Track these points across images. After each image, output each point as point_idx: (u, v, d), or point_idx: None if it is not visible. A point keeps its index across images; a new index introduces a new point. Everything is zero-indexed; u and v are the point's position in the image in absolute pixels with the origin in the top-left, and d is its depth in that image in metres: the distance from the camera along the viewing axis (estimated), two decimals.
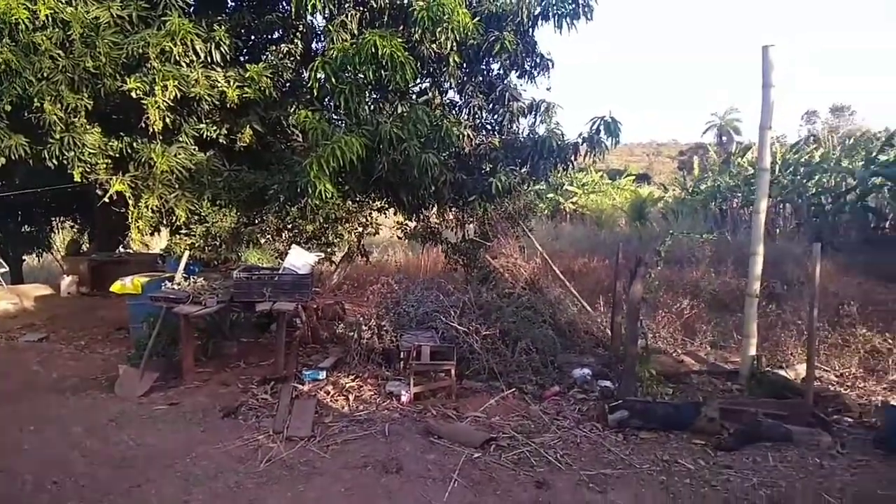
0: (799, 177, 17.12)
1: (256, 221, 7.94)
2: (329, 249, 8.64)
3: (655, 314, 7.16)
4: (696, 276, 10.91)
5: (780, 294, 8.92)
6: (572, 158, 7.00)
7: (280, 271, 6.23)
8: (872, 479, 4.16)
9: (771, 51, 5.79)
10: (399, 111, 6.73)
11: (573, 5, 6.85)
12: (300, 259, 6.13)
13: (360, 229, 9.02)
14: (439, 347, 5.70)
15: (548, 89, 7.64)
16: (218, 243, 7.61)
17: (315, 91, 6.20)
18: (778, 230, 17.03)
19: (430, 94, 7.36)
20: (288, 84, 6.99)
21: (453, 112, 7.50)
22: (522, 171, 7.16)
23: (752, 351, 5.97)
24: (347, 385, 5.59)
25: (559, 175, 7.26)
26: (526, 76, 7.76)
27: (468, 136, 7.02)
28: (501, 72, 7.82)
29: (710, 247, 12.67)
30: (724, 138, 42.82)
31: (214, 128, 6.79)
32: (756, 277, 5.98)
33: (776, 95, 5.89)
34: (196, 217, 7.24)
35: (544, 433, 4.74)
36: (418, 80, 7.55)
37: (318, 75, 6.11)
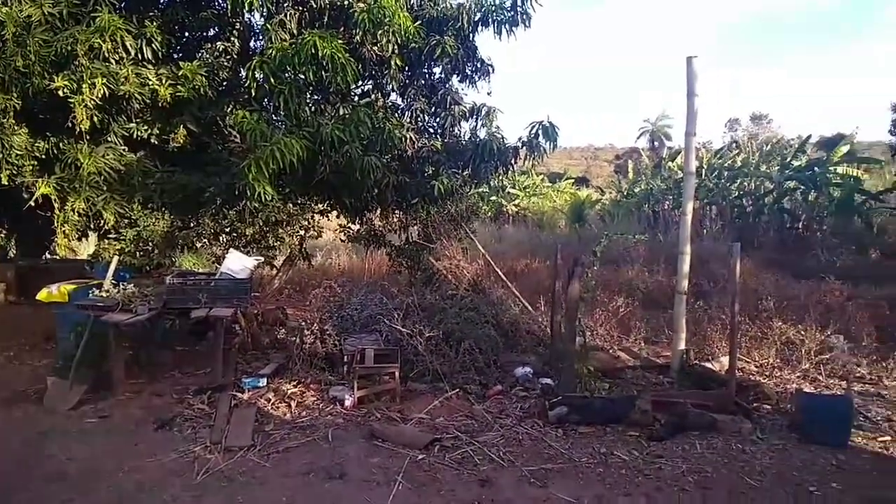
0: (723, 181, 18.14)
1: (192, 225, 7.65)
2: (269, 253, 8.42)
3: (593, 313, 7.41)
4: (631, 276, 11.38)
5: (708, 291, 9.42)
6: (512, 162, 7.13)
7: (217, 276, 6.03)
8: (788, 462, 4.47)
9: (694, 62, 6.11)
10: (341, 113, 6.65)
11: (512, 13, 6.98)
12: (238, 263, 5.96)
13: (302, 232, 8.84)
14: (383, 350, 5.68)
15: (488, 94, 7.78)
16: (150, 248, 7.27)
17: (253, 91, 6.04)
18: (705, 231, 17.94)
19: (372, 96, 7.32)
20: (224, 83, 6.76)
21: (396, 115, 7.48)
22: (464, 173, 7.23)
23: (682, 346, 6.27)
24: (289, 391, 5.48)
25: (500, 178, 7.38)
26: (467, 81, 7.84)
27: (411, 138, 7.01)
28: (443, 76, 7.87)
29: (644, 247, 13.24)
30: (656, 143, 44.87)
31: (146, 127, 6.48)
32: (684, 276, 6.30)
33: (699, 104, 6.22)
34: (126, 221, 6.89)
35: (488, 432, 4.81)
36: (360, 83, 7.50)
37: (257, 75, 5.95)
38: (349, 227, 8.56)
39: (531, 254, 14.33)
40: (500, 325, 6.57)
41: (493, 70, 7.85)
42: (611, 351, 6.71)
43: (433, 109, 7.64)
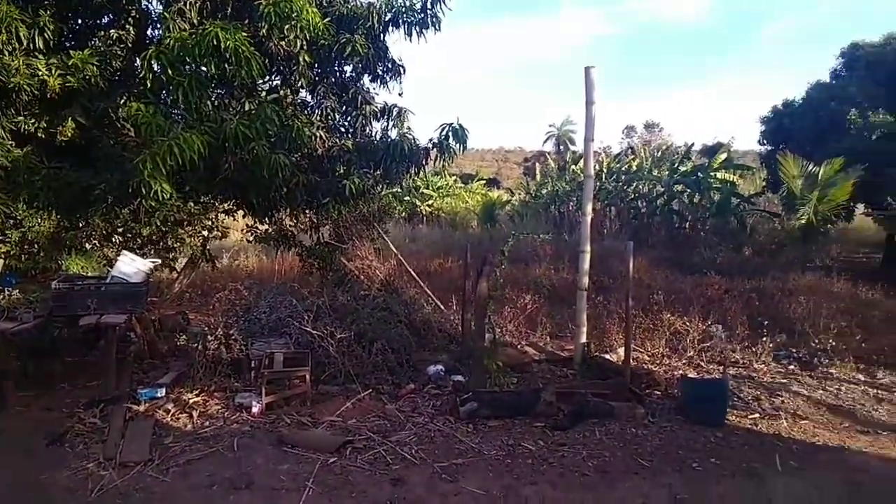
0: (621, 184, 19.30)
1: (80, 225, 7.00)
2: (169, 255, 7.86)
3: (502, 310, 7.63)
4: (538, 273, 11.83)
5: (608, 287, 10.01)
6: (423, 162, 7.18)
7: (107, 280, 5.56)
8: (675, 441, 4.86)
9: (592, 72, 6.46)
10: (247, 109, 6.38)
11: (422, 15, 7.01)
12: (131, 266, 5.53)
13: (205, 233, 8.33)
14: (293, 354, 5.51)
15: (400, 94, 7.74)
16: (36, 250, 6.57)
17: (149, 82, 5.63)
18: (605, 230, 19.03)
19: (281, 92, 7.07)
20: (118, 73, 6.25)
21: (305, 112, 7.28)
22: (376, 173, 7.18)
23: (583, 339, 6.62)
24: (191, 401, 5.16)
25: (412, 178, 7.40)
26: (379, 80, 7.78)
27: (321, 137, 6.86)
28: (354, 75, 7.76)
29: (551, 246, 13.81)
30: (561, 147, 46.87)
31: (33, 120, 5.88)
32: (584, 273, 6.65)
33: (597, 111, 6.58)
34: (11, 221, 6.19)
35: (400, 431, 4.82)
36: (268, 78, 7.23)
37: (153, 65, 5.55)
38: (256, 227, 8.21)
39: (444, 253, 14.51)
40: (412, 325, 6.59)
41: (405, 71, 7.84)
42: (519, 346, 6.95)
43: (344, 108, 7.51)
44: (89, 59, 5.70)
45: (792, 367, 6.95)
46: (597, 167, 21.31)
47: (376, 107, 7.40)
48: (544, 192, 21.83)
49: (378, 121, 7.74)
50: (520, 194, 25.38)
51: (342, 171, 7.25)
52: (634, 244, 6.27)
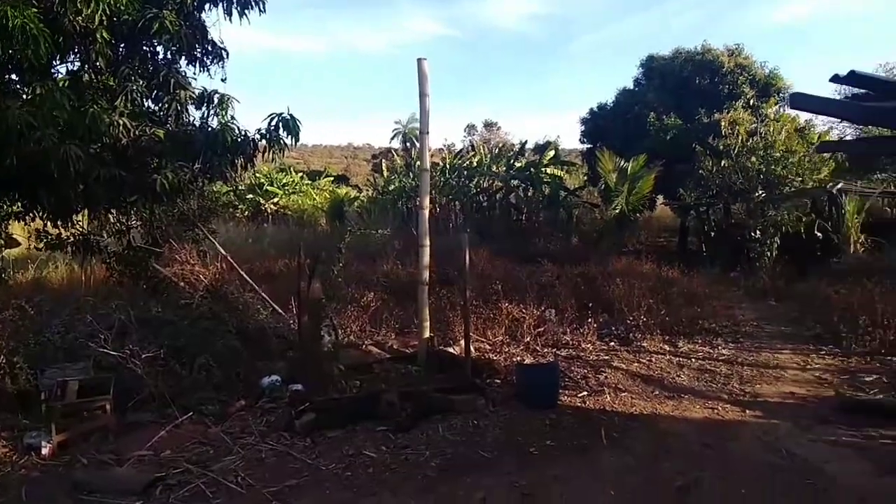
0: (463, 179, 19.85)
1: None
2: None
3: (345, 309, 7.22)
4: (385, 269, 11.61)
5: (453, 279, 10.08)
6: (252, 155, 6.45)
7: None
8: (514, 428, 4.88)
9: (424, 63, 6.31)
10: (38, 93, 5.19)
11: None
12: None
13: None
14: (92, 380, 4.57)
15: (223, 80, 6.89)
16: None
17: None
18: (451, 224, 19.46)
19: (81, 75, 5.87)
20: None
21: (106, 97, 6.13)
22: (194, 167, 6.28)
23: (427, 333, 6.48)
24: None
25: (239, 173, 6.62)
26: (198, 64, 6.86)
27: (125, 125, 5.79)
28: (168, 56, 6.76)
29: (398, 241, 13.67)
30: (408, 144, 47.29)
31: None
32: (425, 267, 6.51)
33: (430, 104, 6.47)
34: None
35: (225, 457, 4.21)
36: (67, 58, 5.97)
37: None
38: (47, 233, 6.76)
39: (291, 253, 13.64)
40: (245, 333, 5.92)
41: (228, 55, 6.99)
42: (363, 346, 6.60)
43: (155, 93, 6.48)
44: None
45: (613, 343, 7.53)
46: (441, 163, 21.74)
47: (193, 92, 6.49)
48: (391, 188, 21.71)
49: (198, 108, 6.83)
50: (368, 191, 25.01)
51: (154, 164, 6.25)
52: (477, 237, 6.28)
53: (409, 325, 7.86)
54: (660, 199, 17.50)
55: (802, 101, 2.76)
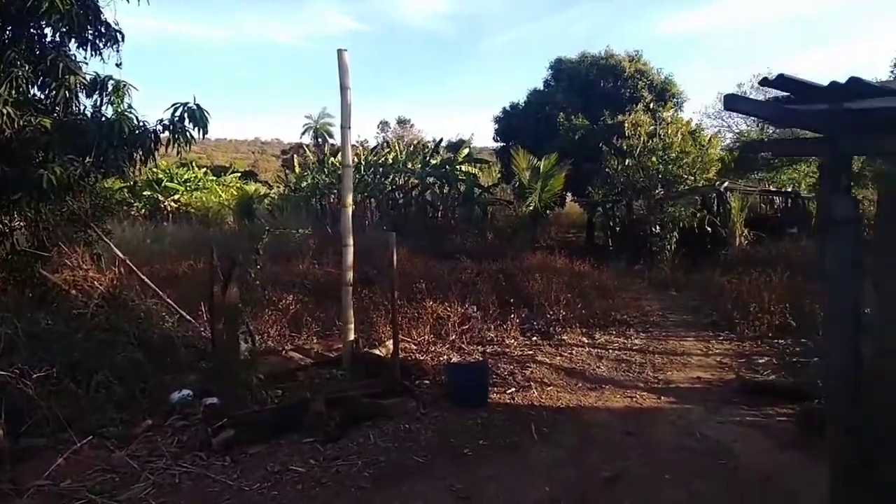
0: (379, 176, 19.56)
1: None
2: None
3: (262, 313, 6.78)
4: (301, 269, 11.11)
5: (374, 278, 9.84)
6: (153, 148, 5.85)
7: None
8: (447, 430, 4.80)
9: (345, 55, 6.05)
10: None
11: None
12: None
13: None
14: None
15: (118, 65, 6.21)
16: None
17: None
18: (367, 222, 19.12)
19: None
20: None
21: None
22: (86, 161, 5.59)
23: (351, 336, 6.23)
24: None
25: (138, 167, 5.98)
26: (89, 47, 6.14)
27: (9, 114, 5.04)
28: (57, 38, 5.99)
29: (314, 240, 13.15)
30: (320, 140, 45.88)
31: None
32: (349, 268, 6.26)
33: (352, 98, 6.21)
34: None
35: (133, 484, 3.76)
36: None
37: None
38: None
39: (195, 254, 12.69)
40: (149, 344, 5.35)
41: (123, 38, 6.33)
42: (283, 353, 6.22)
43: (41, 79, 5.72)
44: None
45: (535, 338, 7.68)
46: (356, 160, 21.27)
47: (84, 78, 5.79)
48: (304, 184, 20.97)
49: (89, 97, 6.11)
50: (279, 187, 23.99)
51: (40, 158, 5.50)
52: (395, 234, 6.11)
53: (332, 328, 7.56)
54: (569, 196, 18.25)
55: (734, 103, 2.91)
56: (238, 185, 25.40)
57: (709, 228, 13.83)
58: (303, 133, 49.57)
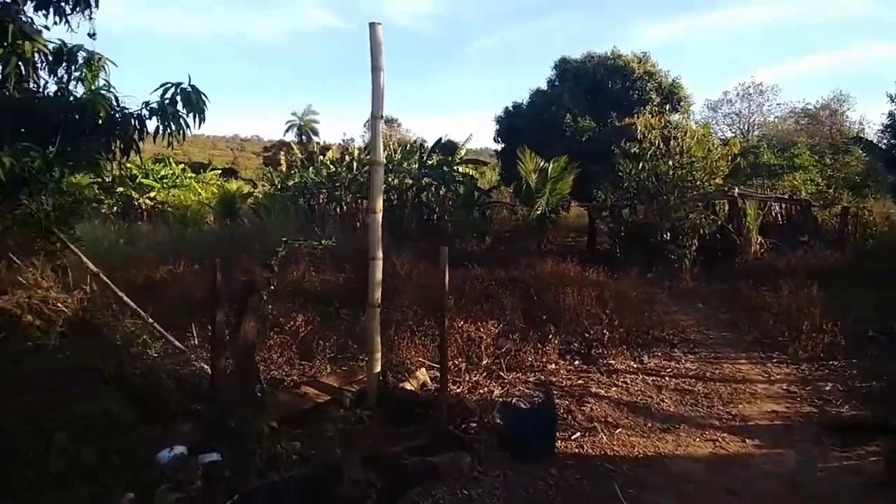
0: None
1: None
2: None
3: (268, 338, 5.58)
4: (297, 276, 9.89)
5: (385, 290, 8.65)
6: (137, 137, 4.63)
7: None
8: (513, 494, 3.78)
9: (378, 29, 4.93)
10: None
11: None
12: None
13: None
14: None
15: (91, 35, 4.98)
16: None
17: None
18: (357, 224, 17.88)
19: None
20: None
21: None
22: (48, 150, 4.34)
23: (378, 368, 5.12)
24: None
25: (118, 161, 4.76)
26: (52, 10, 4.89)
27: None
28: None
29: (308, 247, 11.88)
30: (304, 137, 44.19)
31: None
32: (377, 285, 5.16)
33: (385, 81, 5.10)
34: None
35: None
36: None
37: None
38: None
39: (174, 257, 11.34)
40: (127, 384, 4.13)
41: (97, 3, 5.10)
42: (294, 389, 5.04)
43: None
44: None
45: (577, 362, 6.66)
46: (347, 158, 19.97)
47: (45, 45, 4.54)
48: (291, 183, 19.55)
49: (53, 72, 4.85)
50: (263, 186, 22.50)
51: None
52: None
53: (345, 351, 6.39)
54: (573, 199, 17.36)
55: None
56: (219, 182, 23.78)
57: (720, 236, 13.10)
58: (286, 130, 47.81)
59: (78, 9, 5.03)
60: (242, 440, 3.78)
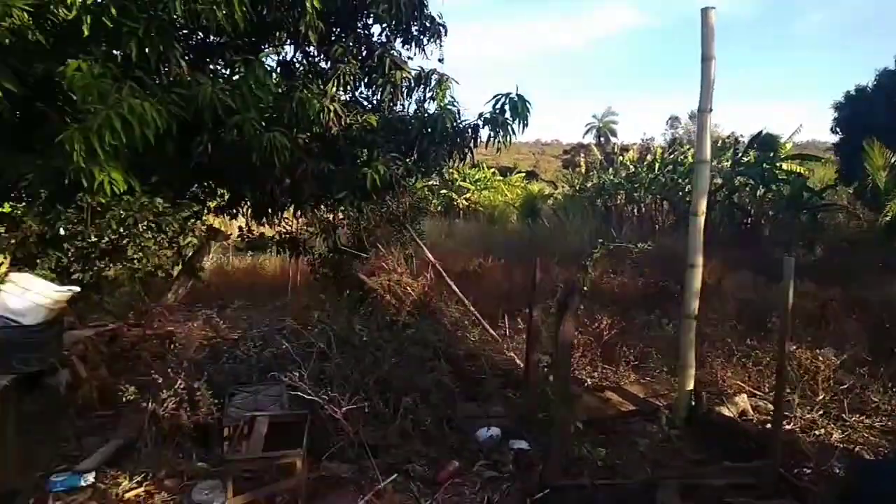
0: (676, 176, 16.93)
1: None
2: (134, 265, 4.82)
3: (574, 337, 5.60)
4: (595, 279, 9.74)
5: (677, 295, 7.84)
6: (472, 145, 5.23)
7: None
8: None
9: (711, 14, 4.39)
10: (238, 70, 4.57)
11: None
12: (21, 299, 3.37)
13: (181, 240, 5.15)
14: (284, 417, 3.67)
15: (440, 60, 5.85)
16: None
17: (86, 29, 3.86)
18: (658, 226, 16.78)
19: (285, 52, 5.26)
20: (64, 24, 4.49)
21: (318, 82, 5.42)
22: (408, 160, 5.25)
23: (690, 385, 4.60)
24: (127, 494, 3.35)
25: (455, 165, 5.47)
26: (413, 43, 5.91)
27: (336, 111, 4.97)
28: (383, 37, 5.92)
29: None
30: (602, 139, 43.99)
31: None
32: (695, 294, 4.63)
33: (716, 71, 4.52)
34: None
35: None
36: (270, 35, 5.40)
37: (88, 4, 3.79)
38: (249, 231, 6.21)
39: (484, 252, 12.57)
40: (454, 362, 4.68)
41: (446, 31, 5.94)
42: (599, 393, 4.93)
43: (368, 77, 5.63)
44: (15, 3, 3.94)
45: None
46: (649, 158, 18.92)
47: (410, 73, 5.48)
48: (589, 184, 19.58)
49: (412, 94, 5.85)
50: (563, 187, 23.16)
51: (364, 156, 5.37)
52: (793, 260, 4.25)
53: (647, 360, 5.97)
54: None
55: None
56: (522, 184, 25.54)
57: None
58: (585, 133, 48.42)
59: (432, 39, 5.95)
60: (550, 435, 3.84)
